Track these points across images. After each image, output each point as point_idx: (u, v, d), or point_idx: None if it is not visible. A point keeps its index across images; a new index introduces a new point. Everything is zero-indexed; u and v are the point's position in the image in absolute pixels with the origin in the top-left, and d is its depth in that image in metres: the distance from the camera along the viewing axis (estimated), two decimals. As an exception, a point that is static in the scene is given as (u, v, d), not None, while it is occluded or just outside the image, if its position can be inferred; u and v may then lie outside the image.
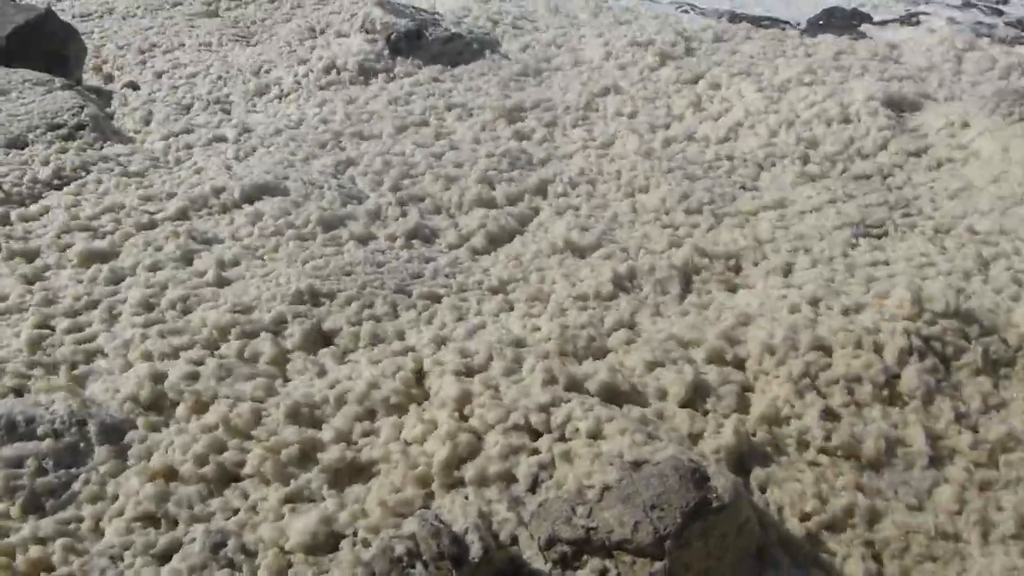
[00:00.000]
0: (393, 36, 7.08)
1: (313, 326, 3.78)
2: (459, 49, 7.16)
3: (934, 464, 3.36)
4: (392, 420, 3.28)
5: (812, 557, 3.01)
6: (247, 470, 3.01)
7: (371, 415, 3.30)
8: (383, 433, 3.19)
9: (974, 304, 4.00)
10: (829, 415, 3.45)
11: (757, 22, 8.89)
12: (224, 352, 3.60)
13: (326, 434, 3.18)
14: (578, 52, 7.44)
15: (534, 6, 8.60)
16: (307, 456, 3.09)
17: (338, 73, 6.77)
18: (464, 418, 3.26)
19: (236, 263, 4.23)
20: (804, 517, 3.11)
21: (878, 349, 3.68)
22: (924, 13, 9.27)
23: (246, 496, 2.93)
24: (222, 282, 4.07)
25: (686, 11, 9.09)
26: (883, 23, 9.03)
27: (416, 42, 7.07)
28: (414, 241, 4.56)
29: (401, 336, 3.81)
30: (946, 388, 3.63)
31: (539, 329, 3.80)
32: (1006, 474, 3.35)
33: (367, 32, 7.15)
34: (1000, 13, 9.61)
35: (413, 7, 7.73)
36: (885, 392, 3.56)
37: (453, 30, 7.29)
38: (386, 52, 6.99)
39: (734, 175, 5.44)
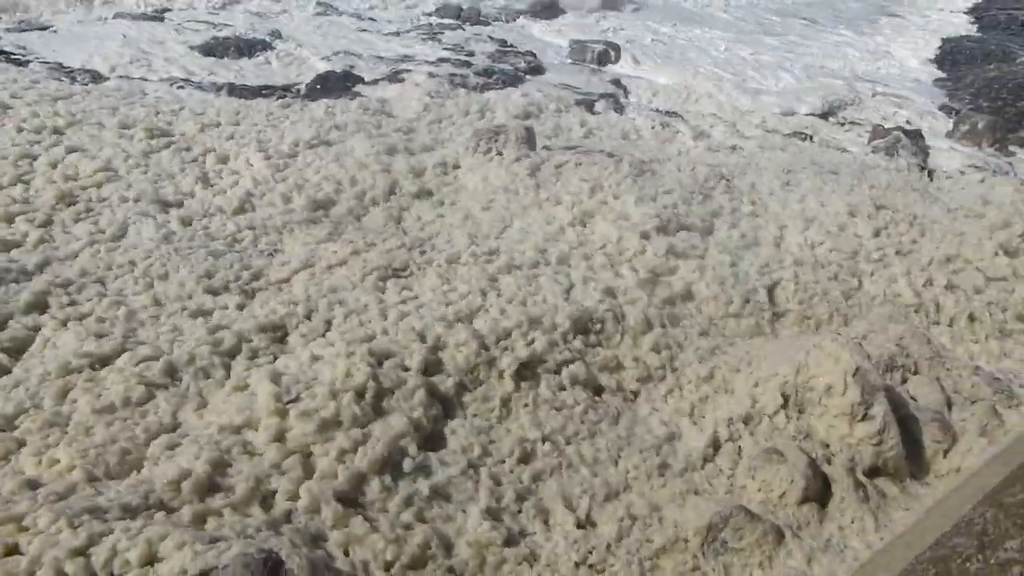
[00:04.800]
0: None
1: None
2: None
3: (475, 469, 3.65)
4: None
5: (402, 601, 3.06)
6: None
7: None
8: None
9: (489, 317, 4.46)
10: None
11: (258, 91, 8.98)
12: None
13: None
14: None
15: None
16: None
17: None
18: (-20, 597, 2.66)
19: None
20: (387, 566, 3.13)
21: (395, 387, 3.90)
22: (407, 70, 10.25)
23: None
24: None
25: (181, 87, 8.80)
26: (374, 82, 9.78)
27: None
28: None
29: None
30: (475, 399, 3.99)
31: (58, 461, 3.27)
32: (546, 464, 3.77)
33: None
34: (469, 64, 11.06)
35: None
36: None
37: None
38: None
39: (260, 243, 5.36)
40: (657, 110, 9.93)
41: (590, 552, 3.41)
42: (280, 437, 3.57)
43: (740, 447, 4.03)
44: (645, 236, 5.48)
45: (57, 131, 6.64)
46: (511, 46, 12.17)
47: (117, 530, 2.87)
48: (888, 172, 7.79)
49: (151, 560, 2.79)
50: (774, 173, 7.23)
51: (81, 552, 2.76)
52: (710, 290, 5.10)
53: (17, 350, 4.09)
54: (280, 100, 8.41)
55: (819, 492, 3.80)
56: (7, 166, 5.91)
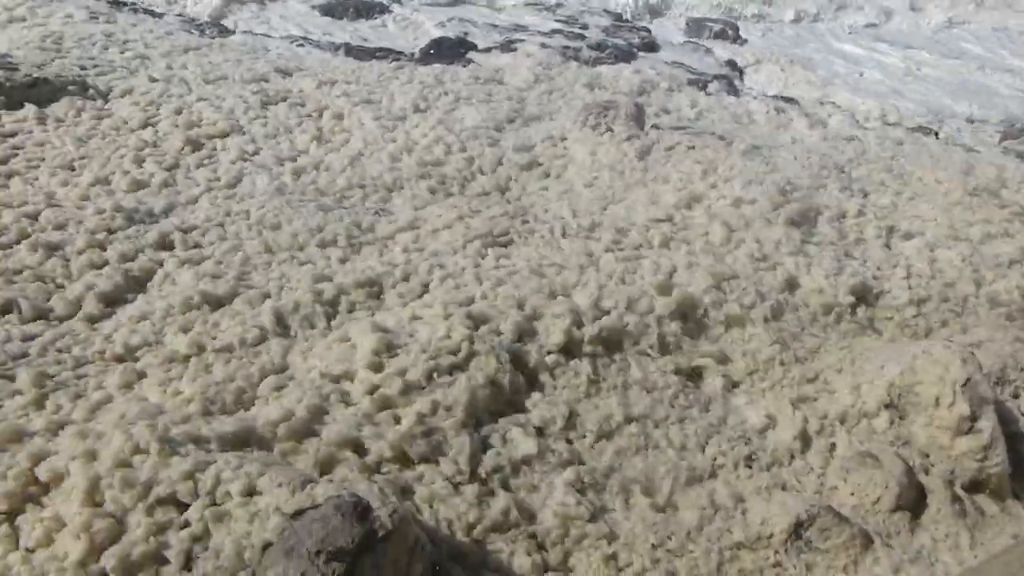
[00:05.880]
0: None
1: None
2: (46, 95, 6.35)
3: (562, 442, 3.67)
4: (2, 531, 2.78)
5: (482, 561, 3.12)
6: None
7: (-30, 533, 2.76)
8: (-9, 550, 2.69)
9: (586, 292, 4.45)
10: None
11: (373, 53, 9.15)
12: None
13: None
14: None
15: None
16: None
17: None
18: (98, 504, 2.88)
19: None
20: (470, 528, 3.21)
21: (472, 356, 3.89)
22: (520, 40, 10.24)
23: None
24: None
25: (301, 45, 9.05)
26: (487, 50, 9.81)
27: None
28: (8, 317, 3.93)
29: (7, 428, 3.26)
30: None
31: (181, 392, 3.48)
32: (632, 442, 3.76)
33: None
34: (583, 38, 10.96)
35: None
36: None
37: (36, 74, 6.46)
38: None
39: (367, 201, 5.50)
40: (772, 95, 9.63)
41: (669, 537, 3.40)
42: (373, 390, 3.68)
43: (833, 446, 3.93)
44: (752, 224, 5.36)
45: (186, 81, 6.97)
46: (626, 20, 11.99)
47: (220, 461, 3.03)
48: (1017, 175, 7.34)
49: (251, 492, 2.93)
50: (891, 168, 6.93)
51: (189, 476, 2.94)
52: (816, 284, 4.95)
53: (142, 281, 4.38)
54: (393, 63, 8.55)
55: (913, 502, 3.67)
56: (138, 111, 6.25)
